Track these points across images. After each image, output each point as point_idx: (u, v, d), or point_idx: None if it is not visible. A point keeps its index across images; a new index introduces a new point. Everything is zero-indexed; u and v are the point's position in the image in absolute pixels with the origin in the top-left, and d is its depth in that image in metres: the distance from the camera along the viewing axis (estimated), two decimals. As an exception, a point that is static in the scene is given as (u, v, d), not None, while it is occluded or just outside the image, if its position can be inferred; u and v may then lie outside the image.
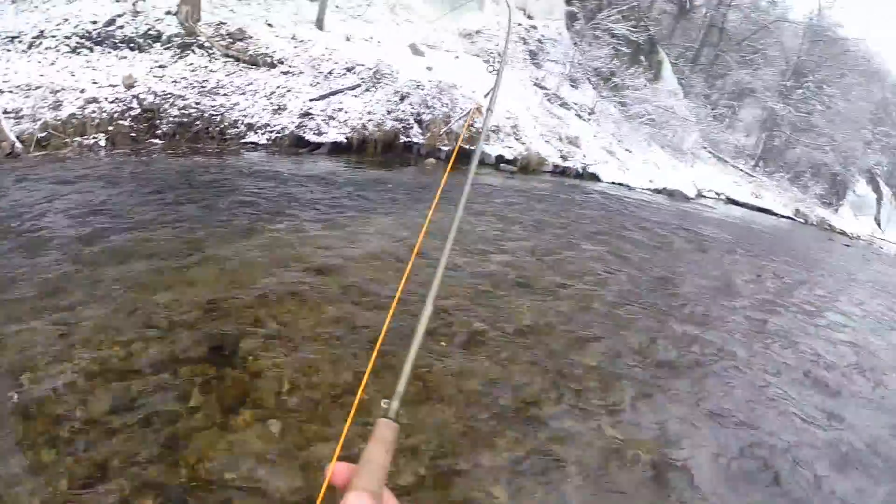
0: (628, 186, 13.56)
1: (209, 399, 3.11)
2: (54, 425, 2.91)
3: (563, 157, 11.78)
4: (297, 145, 8.58)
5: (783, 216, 21.00)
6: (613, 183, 13.25)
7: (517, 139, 10.92)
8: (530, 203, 8.26)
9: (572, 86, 14.91)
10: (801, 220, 21.93)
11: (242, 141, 8.53)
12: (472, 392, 3.35)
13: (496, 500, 2.65)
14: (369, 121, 9.12)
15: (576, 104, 14.12)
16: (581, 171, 12.07)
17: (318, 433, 2.92)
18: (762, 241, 11.88)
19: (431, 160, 9.14)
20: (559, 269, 5.67)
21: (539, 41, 14.90)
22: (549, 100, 13.06)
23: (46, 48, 9.13)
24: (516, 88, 12.31)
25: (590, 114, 14.33)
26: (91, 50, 9.40)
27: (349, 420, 0.65)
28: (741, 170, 24.19)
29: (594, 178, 12.54)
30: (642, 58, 20.25)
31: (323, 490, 0.46)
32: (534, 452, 2.95)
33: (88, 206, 5.89)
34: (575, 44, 15.93)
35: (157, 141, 8.46)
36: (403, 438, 3.18)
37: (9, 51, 8.96)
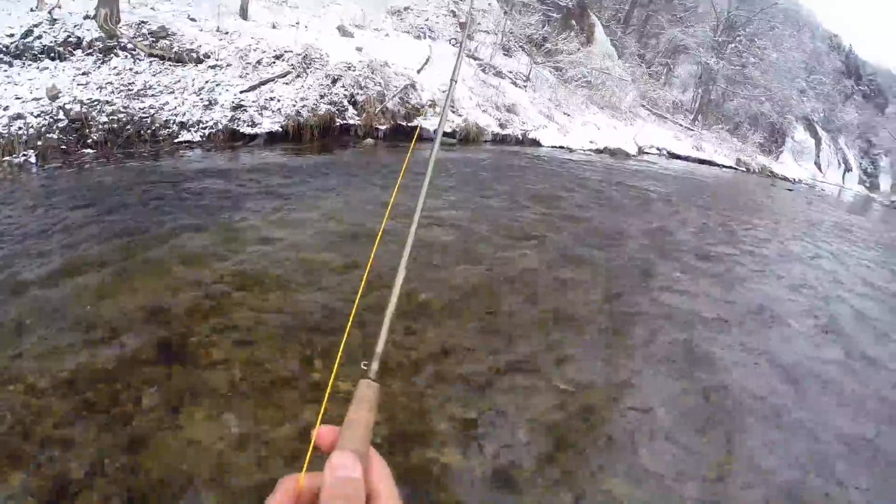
0: (569, 149, 13.99)
1: (162, 399, 3.16)
2: (15, 445, 2.93)
3: (502, 126, 12.07)
4: (233, 139, 8.57)
5: (725, 166, 22.01)
6: (554, 146, 13.65)
7: (454, 111, 11.13)
8: (473, 172, 8.53)
9: (506, 54, 15.14)
10: (744, 169, 23.02)
11: (176, 141, 8.45)
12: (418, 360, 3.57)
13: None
14: (303, 107, 9.15)
15: (510, 72, 14.38)
16: (521, 137, 12.39)
17: (273, 418, 3.01)
18: (705, 190, 12.51)
19: (370, 140, 9.27)
20: (504, 233, 5.95)
21: (469, 13, 15.01)
22: (483, 70, 13.26)
23: None
24: (450, 61, 12.45)
25: (525, 81, 14.63)
26: (10, 64, 9.03)
27: (329, 387, 0.69)
28: (681, 125, 25.10)
29: (535, 143, 12.89)
30: (573, 22, 20.64)
31: (309, 453, 0.46)
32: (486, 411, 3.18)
33: (24, 226, 5.81)
34: (505, 13, 16.12)
35: (88, 151, 8.28)
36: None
37: None
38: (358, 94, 9.75)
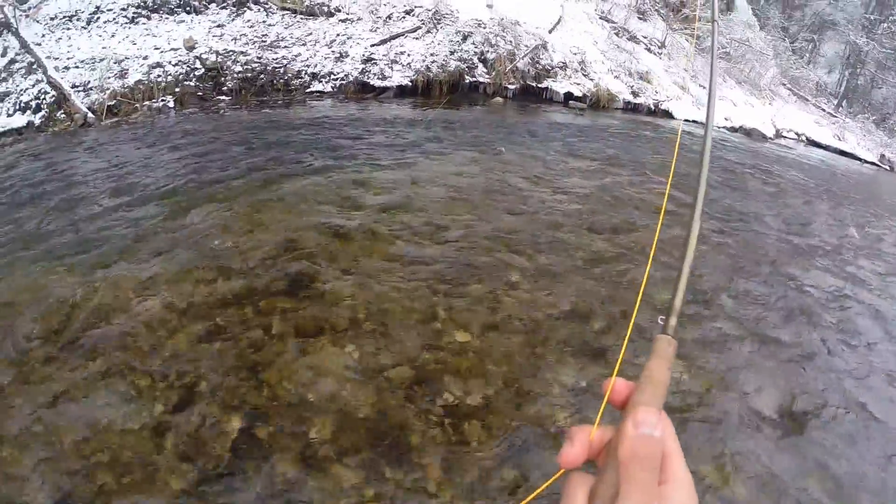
0: (703, 124, 12.60)
1: (288, 328, 3.21)
2: (146, 357, 3.05)
3: (634, 94, 11.02)
4: (363, 91, 8.41)
5: (868, 161, 19.05)
6: (687, 120, 12.34)
7: (585, 75, 10.28)
8: (599, 140, 7.71)
9: (640, 18, 13.89)
10: (887, 168, 19.86)
11: (307, 90, 8.45)
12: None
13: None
14: (433, 62, 8.80)
15: (645, 38, 13.15)
16: (653, 107, 11.27)
17: (392, 358, 2.94)
18: (845, 186, 10.71)
19: (498, 99, 8.75)
20: (629, 209, 5.21)
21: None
22: (616, 34, 12.20)
23: (105, 22, 9.29)
24: (582, 22, 11.56)
25: (660, 48, 13.33)
26: (148, 18, 9.50)
27: (626, 339, 0.72)
28: (823, 109, 22.07)
29: (667, 115, 11.70)
30: (713, -13, 18.55)
31: (602, 407, 0.45)
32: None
33: (165, 162, 6.03)
34: (640, -26, 14.75)
35: (223, 98, 8.52)
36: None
37: (69, 29, 9.17)
38: (488, 51, 9.23)
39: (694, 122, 12.42)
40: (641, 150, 7.57)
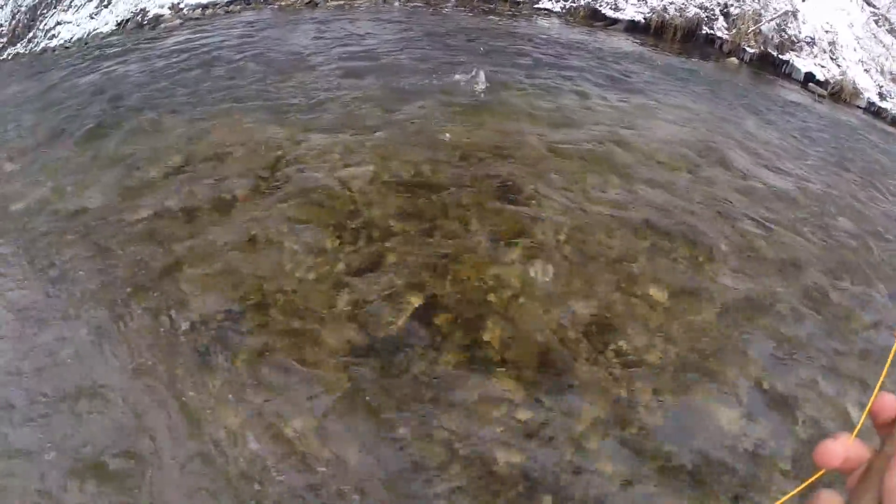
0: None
1: (487, 228, 3.10)
2: (341, 217, 3.08)
3: (881, 96, 9.43)
4: (593, 18, 7.96)
5: None
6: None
7: (833, 59, 8.95)
8: (836, 139, 6.57)
9: (906, 11, 11.78)
10: None
11: (535, 6, 8.15)
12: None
13: None
14: (671, 3, 8.06)
15: (907, 34, 11.16)
16: (897, 116, 9.66)
17: (581, 290, 2.78)
18: None
19: (734, 60, 7.87)
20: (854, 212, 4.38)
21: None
22: (876, 21, 10.44)
23: None
24: (840, -1, 10.00)
25: (922, 51, 11.28)
26: None
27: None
28: None
29: (912, 129, 9.99)
30: None
31: (861, 421, 0.41)
32: None
33: (384, 49, 6.12)
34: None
35: (451, -1, 8.46)
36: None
37: None
38: (732, 5, 8.28)
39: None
40: (882, 162, 6.40)
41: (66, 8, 9.03)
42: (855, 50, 9.44)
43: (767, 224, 3.70)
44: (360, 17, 7.58)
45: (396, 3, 8.33)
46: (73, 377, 2.23)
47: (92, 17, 8.70)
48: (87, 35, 8.35)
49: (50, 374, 2.24)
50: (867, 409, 0.40)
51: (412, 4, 8.38)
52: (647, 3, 8.01)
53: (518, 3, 8.13)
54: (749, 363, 2.56)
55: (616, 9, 7.94)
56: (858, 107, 9.09)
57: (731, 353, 2.59)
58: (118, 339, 2.39)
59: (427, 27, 7.21)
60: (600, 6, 7.95)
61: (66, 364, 2.28)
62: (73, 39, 8.39)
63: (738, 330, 2.73)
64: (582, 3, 8.01)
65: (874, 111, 9.37)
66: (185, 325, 2.43)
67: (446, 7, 8.29)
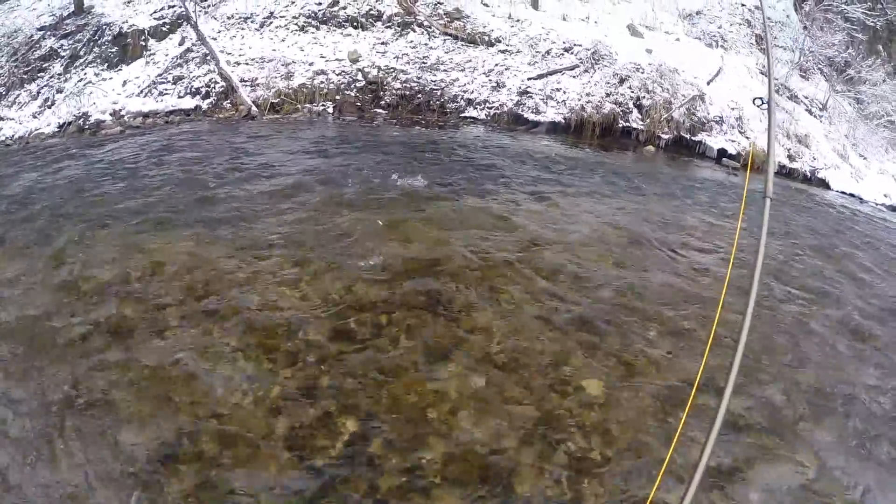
0: (860, 198, 11.43)
1: (419, 343, 3.22)
2: (276, 340, 3.17)
3: (791, 157, 10.28)
4: (516, 123, 8.56)
5: None
6: (843, 193, 11.30)
7: (741, 132, 9.77)
8: (750, 209, 7.10)
9: (802, 76, 12.99)
10: None
11: (462, 115, 8.73)
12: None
13: None
14: (588, 102, 8.77)
15: (806, 98, 12.27)
16: (809, 175, 10.46)
17: (520, 397, 2.85)
18: None
19: (650, 147, 8.53)
20: (780, 280, 4.73)
21: (765, 25, 13.19)
22: (776, 91, 11.50)
23: (276, 27, 10.16)
24: (742, 76, 11.02)
25: (821, 110, 12.36)
26: (317, 28, 10.27)
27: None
28: None
29: (823, 184, 10.78)
30: (880, 47, 16.99)
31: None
32: None
33: (320, 160, 6.42)
34: (805, 27, 13.80)
35: (380, 111, 9.01)
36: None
37: (243, 29, 10.13)
38: (644, 97, 9.05)
39: (851, 195, 11.39)
40: (795, 224, 6.96)
41: (9, 104, 9.13)
42: (760, 121, 10.33)
43: (691, 303, 3.91)
44: (296, 130, 7.96)
45: (330, 119, 8.79)
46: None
47: (34, 117, 8.81)
48: (29, 134, 8.40)
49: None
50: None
51: (345, 119, 8.84)
52: (565, 104, 8.69)
53: (445, 113, 8.71)
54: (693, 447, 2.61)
55: (537, 112, 8.58)
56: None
57: (670, 440, 2.68)
58: (47, 460, 2.40)
59: (361, 140, 7.58)
60: (522, 111, 8.58)
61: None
62: (14, 137, 8.44)
63: (675, 417, 2.80)
64: (505, 109, 8.62)
65: (785, 172, 10.17)
66: (116, 452, 2.44)
67: (378, 121, 8.78)
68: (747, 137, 9.77)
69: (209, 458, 2.42)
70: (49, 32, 9.89)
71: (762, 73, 11.77)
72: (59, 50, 9.66)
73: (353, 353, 3.09)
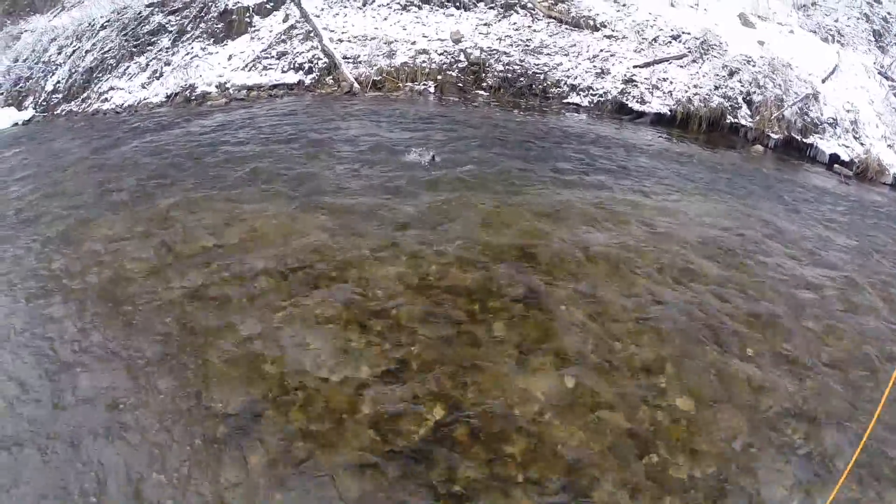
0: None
1: (512, 335, 3.16)
2: (367, 318, 3.17)
3: (915, 169, 9.63)
4: (619, 112, 8.38)
5: None
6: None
7: (856, 138, 9.19)
8: (863, 222, 6.63)
9: (924, 80, 12.03)
10: None
11: (564, 101, 8.62)
12: None
13: None
14: (695, 95, 8.47)
15: (928, 104, 11.39)
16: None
17: (609, 402, 2.79)
18: None
19: (759, 147, 8.18)
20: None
21: (885, 19, 12.23)
22: (895, 94, 10.73)
23: (379, 5, 10.23)
24: (858, 75, 10.31)
25: (944, 118, 11.47)
26: (420, 8, 10.28)
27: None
28: None
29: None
30: None
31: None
32: None
33: (423, 139, 6.40)
34: (930, 27, 12.73)
35: (482, 93, 9.00)
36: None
37: (346, 7, 10.25)
38: (755, 93, 8.64)
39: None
40: None
41: (120, 75, 9.70)
42: (877, 126, 9.69)
43: (800, 321, 3.70)
44: (398, 108, 8.08)
45: (431, 98, 8.87)
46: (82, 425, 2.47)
47: (143, 87, 9.38)
48: (138, 103, 9.00)
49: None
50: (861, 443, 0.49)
51: (446, 99, 8.89)
52: (672, 95, 8.42)
53: (548, 98, 8.61)
54: (786, 478, 2.54)
55: (642, 102, 8.36)
56: (884, 183, 9.26)
57: (766, 469, 2.57)
58: (137, 413, 2.58)
59: (465, 121, 7.58)
60: (627, 100, 8.37)
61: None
62: (124, 105, 9.06)
63: (773, 443, 2.71)
64: (609, 97, 8.44)
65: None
66: (203, 413, 2.54)
67: (479, 102, 8.78)
68: (862, 144, 9.19)
69: (293, 430, 2.49)
70: (157, 9, 10.37)
71: (880, 74, 10.98)
72: (166, 25, 10.13)
73: (444, 338, 3.09)
